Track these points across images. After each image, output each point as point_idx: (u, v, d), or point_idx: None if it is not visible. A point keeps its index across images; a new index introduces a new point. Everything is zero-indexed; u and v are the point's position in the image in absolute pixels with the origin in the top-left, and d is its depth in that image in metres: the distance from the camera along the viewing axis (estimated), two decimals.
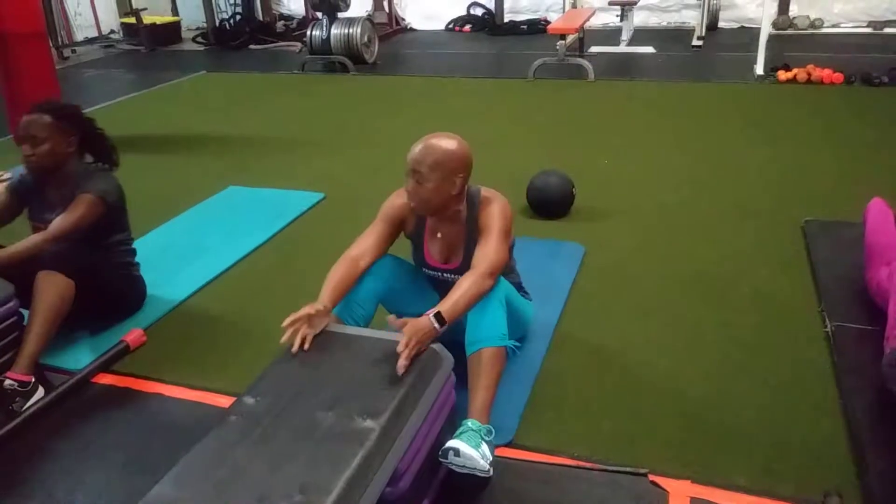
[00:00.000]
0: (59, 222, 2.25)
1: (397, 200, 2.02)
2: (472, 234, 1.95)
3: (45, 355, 2.20)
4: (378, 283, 1.98)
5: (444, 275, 2.04)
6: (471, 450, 1.60)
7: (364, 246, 1.98)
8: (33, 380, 2.08)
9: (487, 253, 1.84)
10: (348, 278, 1.91)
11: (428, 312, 1.69)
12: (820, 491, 1.64)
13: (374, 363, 1.63)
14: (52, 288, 2.13)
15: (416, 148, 1.87)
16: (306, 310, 1.73)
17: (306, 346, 1.70)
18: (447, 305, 1.73)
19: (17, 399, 2.03)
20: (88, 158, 2.45)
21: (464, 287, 1.77)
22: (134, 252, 2.57)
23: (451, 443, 1.62)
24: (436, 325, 1.68)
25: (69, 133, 2.32)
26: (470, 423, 1.69)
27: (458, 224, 1.98)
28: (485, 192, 1.97)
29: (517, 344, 1.95)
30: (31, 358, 2.09)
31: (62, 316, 2.16)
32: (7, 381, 2.03)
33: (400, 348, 1.60)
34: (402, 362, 1.58)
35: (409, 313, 2.04)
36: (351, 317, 1.95)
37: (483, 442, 1.66)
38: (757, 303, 2.48)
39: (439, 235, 2.02)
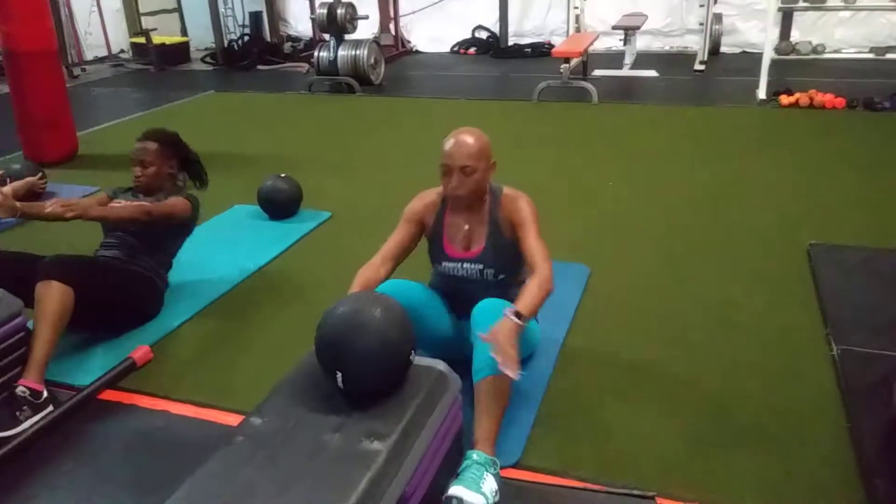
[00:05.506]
0: (154, 205, 2.53)
1: (420, 203, 2.13)
2: (495, 223, 2.07)
3: (52, 371, 2.21)
4: None
5: (464, 265, 2.10)
6: (472, 494, 1.60)
7: (387, 251, 2.07)
8: (46, 394, 2.09)
9: (539, 250, 1.96)
10: (371, 283, 1.97)
11: (506, 312, 1.76)
12: None
13: None
14: (52, 296, 2.20)
15: (454, 143, 1.97)
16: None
17: None
18: (523, 304, 1.81)
19: (25, 408, 2.03)
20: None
21: (534, 289, 1.87)
22: (168, 269, 2.74)
23: (452, 490, 1.61)
24: (517, 321, 1.75)
25: (171, 157, 2.70)
26: (475, 454, 1.69)
27: (482, 212, 2.09)
28: (507, 189, 2.10)
29: (523, 373, 1.94)
30: (39, 364, 2.13)
31: (64, 321, 2.22)
32: (19, 388, 2.05)
33: (496, 355, 1.66)
34: (510, 364, 1.64)
35: (420, 337, 2.08)
36: None
37: (487, 475, 1.65)
38: (762, 326, 2.48)
39: (466, 227, 2.10)
